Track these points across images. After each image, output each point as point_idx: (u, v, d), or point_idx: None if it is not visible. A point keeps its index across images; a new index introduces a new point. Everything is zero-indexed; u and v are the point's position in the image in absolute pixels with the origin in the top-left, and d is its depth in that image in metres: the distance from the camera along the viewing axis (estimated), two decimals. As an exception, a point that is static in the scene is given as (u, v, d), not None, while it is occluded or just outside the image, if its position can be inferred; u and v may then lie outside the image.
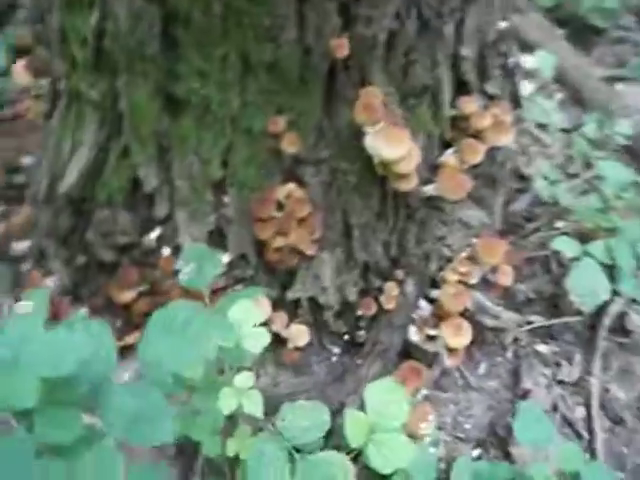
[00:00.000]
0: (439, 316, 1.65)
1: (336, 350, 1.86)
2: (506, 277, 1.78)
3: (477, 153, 1.48)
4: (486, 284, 1.83)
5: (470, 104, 1.49)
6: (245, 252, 1.57)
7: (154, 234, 1.58)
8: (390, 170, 1.31)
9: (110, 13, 1.20)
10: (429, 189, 1.47)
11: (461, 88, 1.52)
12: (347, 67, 1.31)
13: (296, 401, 1.38)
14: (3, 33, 1.77)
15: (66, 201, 1.55)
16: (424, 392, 1.74)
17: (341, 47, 1.22)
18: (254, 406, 1.21)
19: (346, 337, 1.81)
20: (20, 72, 1.48)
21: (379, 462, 1.32)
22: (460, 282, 1.71)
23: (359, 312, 1.66)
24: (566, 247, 1.76)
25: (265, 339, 1.27)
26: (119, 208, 1.51)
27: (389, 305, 1.62)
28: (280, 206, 1.51)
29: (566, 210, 2.05)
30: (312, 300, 1.67)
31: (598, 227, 1.92)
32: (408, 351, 1.79)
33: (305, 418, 1.25)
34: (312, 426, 1.24)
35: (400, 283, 1.64)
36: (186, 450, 1.66)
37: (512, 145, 1.67)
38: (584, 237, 1.99)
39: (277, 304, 1.68)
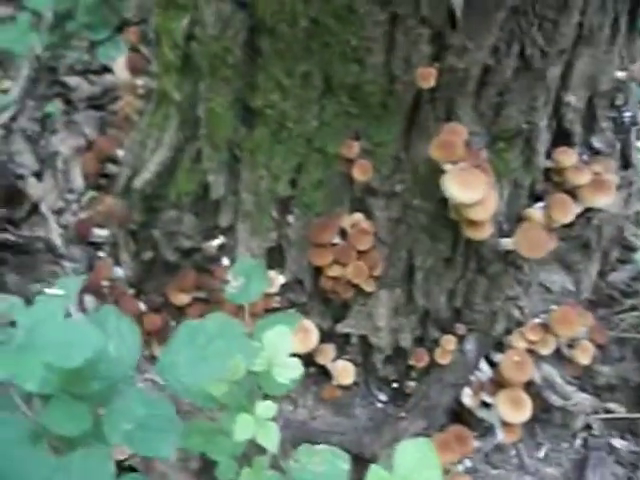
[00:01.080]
0: (498, 383, 1.48)
1: (382, 397, 1.74)
2: (585, 355, 1.58)
3: (567, 211, 1.33)
4: (561, 359, 1.64)
5: (568, 156, 1.34)
6: (301, 277, 1.52)
7: (216, 242, 1.57)
8: (463, 215, 1.20)
9: (200, 18, 1.21)
10: (507, 242, 1.33)
11: (563, 138, 1.37)
12: (433, 99, 1.22)
13: (319, 443, 1.29)
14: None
15: (140, 196, 1.58)
16: (468, 464, 1.57)
17: (428, 77, 1.14)
18: (268, 439, 1.13)
19: (395, 385, 1.69)
20: (120, 69, 1.55)
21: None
22: (529, 351, 1.54)
23: (411, 362, 1.54)
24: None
25: (297, 371, 1.19)
26: (186, 211, 1.52)
27: (443, 360, 1.49)
28: (343, 235, 1.45)
29: (674, 292, 1.80)
30: (363, 339, 1.57)
31: None
32: (460, 415, 1.64)
33: (322, 464, 1.16)
34: (328, 473, 1.14)
35: (460, 338, 1.50)
36: (210, 468, 1.61)
37: (616, 209, 1.49)
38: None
39: (327, 336, 1.60)
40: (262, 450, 1.31)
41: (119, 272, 1.89)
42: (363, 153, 1.35)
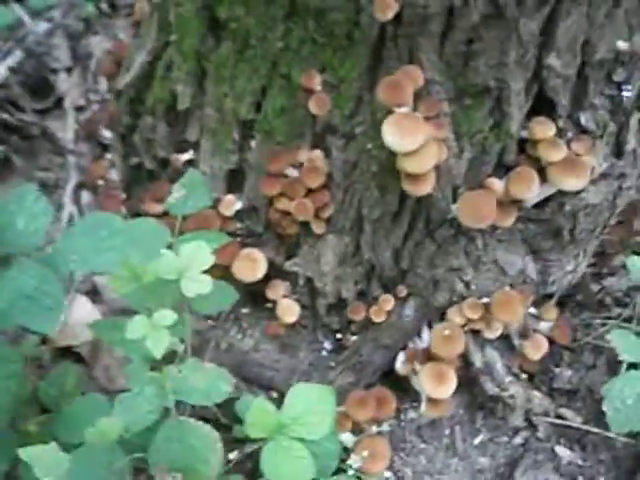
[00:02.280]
0: (430, 355, 1.42)
1: (327, 345, 1.72)
2: (535, 350, 1.48)
3: (527, 187, 1.21)
4: (512, 349, 1.54)
5: (544, 128, 1.21)
6: (257, 205, 1.50)
7: (185, 156, 1.58)
8: (400, 166, 1.13)
9: None
10: (454, 209, 1.24)
11: (546, 109, 1.25)
12: (396, 37, 1.14)
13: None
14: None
15: (126, 99, 1.61)
16: (386, 427, 1.54)
17: (385, 8, 1.06)
18: (155, 344, 1.15)
19: (338, 336, 1.66)
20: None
21: (270, 471, 1.18)
22: (474, 331, 1.45)
23: (349, 314, 1.50)
24: (623, 345, 1.39)
25: (204, 288, 1.19)
26: (160, 119, 1.53)
27: (377, 318, 1.44)
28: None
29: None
30: (310, 281, 1.55)
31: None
32: (401, 379, 1.59)
33: (204, 380, 1.16)
34: (206, 390, 1.15)
35: (399, 301, 1.44)
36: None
37: (597, 200, 1.34)
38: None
39: (280, 272, 1.59)
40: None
41: (113, 174, 1.96)
42: (327, 87, 1.29)
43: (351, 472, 1.38)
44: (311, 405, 1.25)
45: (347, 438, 1.51)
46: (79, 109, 2.25)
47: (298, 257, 1.52)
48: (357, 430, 1.52)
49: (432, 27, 1.10)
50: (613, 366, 1.71)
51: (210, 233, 1.32)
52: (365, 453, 1.40)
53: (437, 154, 1.11)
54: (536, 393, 1.60)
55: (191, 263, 1.21)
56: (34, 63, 2.26)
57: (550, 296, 1.55)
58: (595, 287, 1.85)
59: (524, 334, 1.48)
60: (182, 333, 1.32)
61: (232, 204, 1.53)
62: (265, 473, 1.20)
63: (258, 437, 1.21)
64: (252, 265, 1.56)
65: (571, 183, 1.21)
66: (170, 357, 1.28)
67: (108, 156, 2.02)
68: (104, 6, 2.42)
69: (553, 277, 1.49)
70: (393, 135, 1.08)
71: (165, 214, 1.71)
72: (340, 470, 1.41)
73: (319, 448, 1.32)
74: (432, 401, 1.45)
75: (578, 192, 1.31)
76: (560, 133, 1.27)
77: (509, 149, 1.27)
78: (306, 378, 1.61)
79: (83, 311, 1.87)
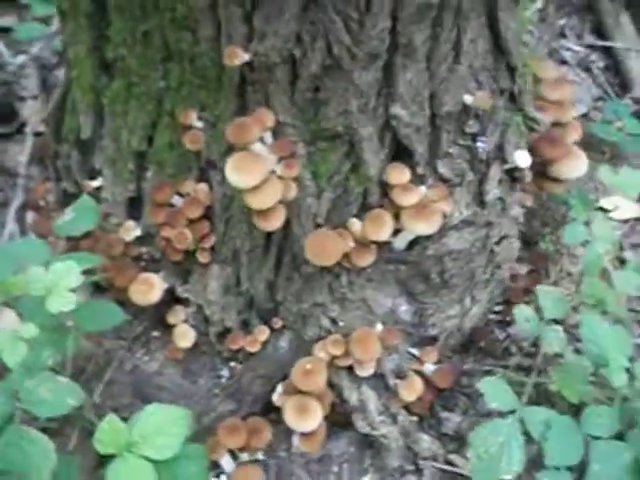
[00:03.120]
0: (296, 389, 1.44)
1: (225, 372, 1.77)
2: (409, 391, 1.49)
3: (380, 229, 1.26)
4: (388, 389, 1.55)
5: (398, 174, 1.26)
6: (153, 232, 1.58)
7: (95, 183, 1.68)
8: (245, 202, 1.19)
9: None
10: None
11: (406, 156, 1.30)
12: (253, 82, 1.22)
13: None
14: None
15: (51, 128, 1.74)
16: (260, 456, 1.55)
17: (232, 56, 1.14)
18: (9, 355, 1.22)
19: (232, 364, 1.71)
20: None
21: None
22: (350, 368, 1.48)
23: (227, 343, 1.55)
24: (492, 393, 1.39)
25: (68, 305, 1.27)
26: (72, 147, 1.64)
27: (252, 348, 1.48)
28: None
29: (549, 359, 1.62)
30: (200, 308, 1.61)
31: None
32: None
33: (51, 392, 1.22)
34: (51, 402, 1.21)
35: (275, 332, 1.48)
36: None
37: (461, 246, 1.37)
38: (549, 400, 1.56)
39: (181, 298, 1.66)
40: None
41: (51, 196, 2.08)
42: (207, 124, 1.38)
43: (215, 498, 1.41)
44: (162, 426, 1.29)
45: (227, 463, 1.54)
46: (38, 134, 2.41)
47: (189, 284, 1.59)
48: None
49: (279, 75, 1.18)
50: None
51: (83, 255, 1.40)
52: (229, 480, 1.42)
53: (279, 191, 1.18)
54: (424, 436, 1.60)
55: (59, 281, 1.29)
56: (4, 90, 2.44)
57: (436, 339, 1.57)
58: (501, 334, 1.86)
59: (400, 375, 1.50)
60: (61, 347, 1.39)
61: (131, 230, 1.61)
62: (107, 487, 1.24)
63: (107, 453, 1.26)
64: (147, 289, 1.63)
65: (421, 227, 1.26)
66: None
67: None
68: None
69: (432, 320, 1.51)
70: (232, 172, 1.15)
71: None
72: (207, 496, 1.44)
73: (180, 469, 1.36)
74: (304, 435, 1.47)
75: (440, 237, 1.35)
76: (420, 179, 1.32)
77: (371, 192, 1.32)
78: (193, 405, 1.65)
79: (6, 321, 1.96)
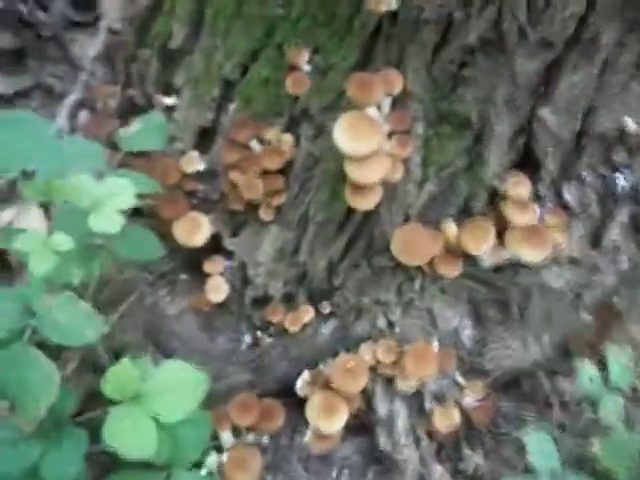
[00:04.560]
0: (328, 385, 1.30)
1: (247, 338, 1.62)
2: (443, 420, 1.34)
3: (477, 243, 1.08)
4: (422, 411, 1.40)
5: (518, 186, 1.09)
6: (218, 170, 1.42)
7: (169, 100, 1.51)
8: (345, 170, 1.02)
9: None
10: (398, 237, 1.13)
11: (530, 168, 1.12)
12: (389, 37, 1.04)
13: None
14: None
15: (134, 27, 1.56)
16: (265, 440, 1.42)
17: (378, 1, 0.97)
18: (36, 263, 1.08)
19: (258, 333, 1.56)
20: None
21: (109, 435, 1.08)
22: (388, 379, 1.33)
23: (267, 313, 1.40)
24: (536, 449, 1.24)
25: (113, 227, 1.12)
26: (154, 55, 1.47)
27: (291, 327, 1.33)
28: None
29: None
30: (244, 268, 1.45)
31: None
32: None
33: (71, 319, 1.08)
34: (72, 329, 1.07)
35: (321, 317, 1.33)
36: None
37: (560, 285, 1.20)
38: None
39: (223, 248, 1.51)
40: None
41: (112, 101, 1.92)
42: (315, 71, 1.21)
43: (204, 471, 1.28)
44: (178, 387, 1.16)
45: (227, 438, 1.41)
46: (114, 33, 2.24)
47: (239, 238, 1.43)
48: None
49: (425, 36, 0.99)
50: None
51: (141, 177, 1.24)
52: (225, 458, 1.29)
53: (386, 170, 1.00)
54: (438, 467, 1.46)
55: (109, 198, 1.15)
56: (89, -23, 2.26)
57: (486, 373, 1.41)
58: (546, 383, 1.70)
59: (439, 399, 1.35)
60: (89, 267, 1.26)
61: (194, 162, 1.45)
62: (104, 434, 1.11)
63: (112, 398, 1.13)
64: (193, 229, 1.47)
65: (526, 253, 1.09)
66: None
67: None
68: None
69: (492, 354, 1.35)
70: (343, 134, 0.98)
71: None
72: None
73: (182, 432, 1.23)
74: (319, 433, 1.33)
75: (539, 268, 1.18)
76: (539, 198, 1.14)
77: (478, 196, 1.15)
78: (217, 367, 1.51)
79: (31, 220, 1.83)
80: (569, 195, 1.11)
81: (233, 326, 1.62)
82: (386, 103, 1.06)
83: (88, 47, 2.13)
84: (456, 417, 1.35)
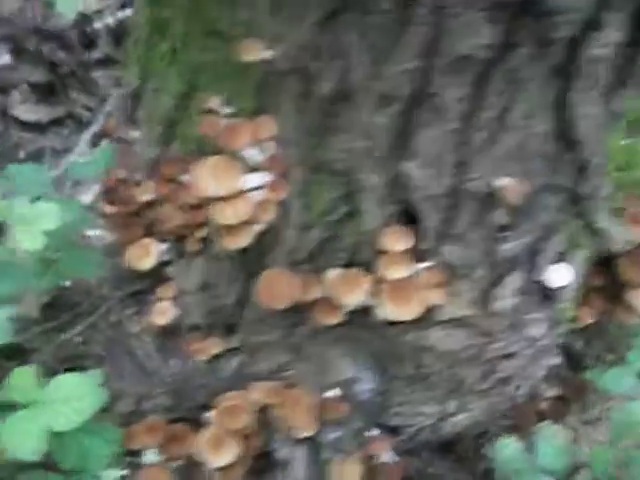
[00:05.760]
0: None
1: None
2: (343, 474, 1.29)
3: (349, 294, 1.06)
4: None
5: (393, 238, 1.04)
6: (164, 202, 1.52)
7: (135, 134, 1.65)
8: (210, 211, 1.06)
9: None
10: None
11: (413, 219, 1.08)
12: (267, 84, 1.07)
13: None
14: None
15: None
16: (177, 463, 1.45)
17: (248, 50, 1.00)
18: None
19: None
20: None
21: (3, 435, 1.19)
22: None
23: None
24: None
25: (35, 244, 1.25)
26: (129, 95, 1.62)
27: (198, 355, 1.38)
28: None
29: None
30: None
31: None
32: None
33: None
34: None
35: (231, 350, 1.36)
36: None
37: (442, 342, 1.12)
38: None
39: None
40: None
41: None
42: (229, 114, 1.26)
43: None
44: (73, 396, 1.24)
45: (146, 457, 1.47)
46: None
47: (175, 266, 1.51)
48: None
49: (291, 85, 1.02)
50: None
51: (76, 204, 1.37)
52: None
53: (248, 212, 1.03)
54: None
55: (35, 219, 1.28)
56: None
57: (395, 430, 1.35)
58: (485, 450, 1.58)
59: (340, 451, 1.30)
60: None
61: (148, 192, 1.55)
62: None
63: (12, 400, 1.24)
64: (142, 255, 1.57)
65: (389, 309, 1.04)
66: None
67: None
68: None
69: (398, 409, 1.29)
70: (203, 176, 1.03)
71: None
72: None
73: (89, 443, 1.31)
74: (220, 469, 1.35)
75: (422, 328, 1.12)
76: (423, 255, 1.09)
77: (362, 247, 1.13)
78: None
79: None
80: (450, 254, 1.05)
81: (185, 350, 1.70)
82: (270, 147, 1.09)
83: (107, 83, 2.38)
84: (356, 471, 1.29)
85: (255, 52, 1.01)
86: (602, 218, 1.11)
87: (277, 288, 1.07)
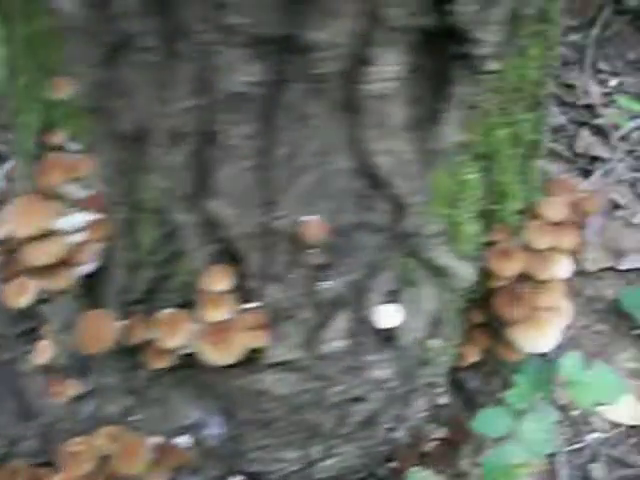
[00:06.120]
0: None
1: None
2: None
3: (174, 336, 1.01)
4: None
5: (213, 278, 0.99)
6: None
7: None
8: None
9: None
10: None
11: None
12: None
13: None
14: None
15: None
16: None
17: (57, 87, 0.98)
18: None
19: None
20: None
21: None
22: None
23: (53, 382, 1.40)
24: None
25: None
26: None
27: (55, 397, 1.33)
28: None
29: None
30: (54, 332, 1.48)
31: None
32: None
33: None
34: None
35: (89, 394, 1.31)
36: None
37: (275, 386, 1.07)
38: None
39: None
40: None
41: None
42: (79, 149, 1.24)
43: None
44: None
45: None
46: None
47: (47, 305, 1.47)
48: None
49: (99, 122, 0.99)
50: None
51: None
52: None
53: (58, 252, 1.00)
54: None
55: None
56: None
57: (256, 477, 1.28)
58: None
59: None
60: None
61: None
62: None
63: None
64: (19, 293, 1.52)
65: (209, 353, 1.00)
66: None
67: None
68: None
69: (254, 455, 1.23)
70: (10, 214, 1.00)
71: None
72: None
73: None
74: None
75: (253, 372, 1.07)
76: (248, 295, 1.05)
77: (191, 286, 1.08)
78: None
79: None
80: (274, 295, 1.00)
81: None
82: (79, 186, 1.06)
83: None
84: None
85: (63, 89, 0.99)
86: (439, 255, 1.06)
87: (93, 331, 1.02)
